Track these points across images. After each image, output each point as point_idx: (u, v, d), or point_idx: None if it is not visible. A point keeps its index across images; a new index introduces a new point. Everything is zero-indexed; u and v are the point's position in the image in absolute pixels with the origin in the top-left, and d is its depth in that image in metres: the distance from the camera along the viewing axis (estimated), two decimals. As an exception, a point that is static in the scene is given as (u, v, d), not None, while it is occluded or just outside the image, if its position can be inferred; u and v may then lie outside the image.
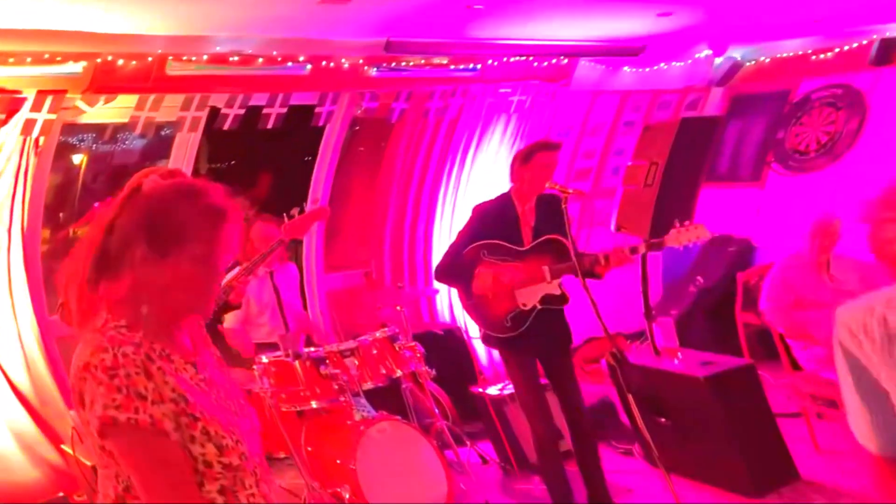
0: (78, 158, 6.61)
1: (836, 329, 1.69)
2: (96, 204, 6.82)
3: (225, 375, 1.79)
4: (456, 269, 3.90)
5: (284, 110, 5.01)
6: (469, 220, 4.01)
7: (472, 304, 3.91)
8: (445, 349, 5.37)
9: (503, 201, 3.97)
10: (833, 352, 1.69)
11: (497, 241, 3.83)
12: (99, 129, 6.02)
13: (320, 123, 5.38)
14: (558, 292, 3.82)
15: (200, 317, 1.77)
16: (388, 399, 4.40)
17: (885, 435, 1.66)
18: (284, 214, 3.99)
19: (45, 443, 4.29)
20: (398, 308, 4.63)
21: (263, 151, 7.14)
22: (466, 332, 5.69)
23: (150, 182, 1.66)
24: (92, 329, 1.59)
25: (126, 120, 4.64)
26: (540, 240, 3.83)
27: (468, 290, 3.87)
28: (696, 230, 3.70)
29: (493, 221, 3.90)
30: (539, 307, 3.80)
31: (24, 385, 4.30)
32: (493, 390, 4.76)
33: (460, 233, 4.00)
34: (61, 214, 6.56)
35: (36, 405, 4.32)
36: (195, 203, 1.63)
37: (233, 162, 7.28)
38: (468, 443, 4.73)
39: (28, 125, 4.09)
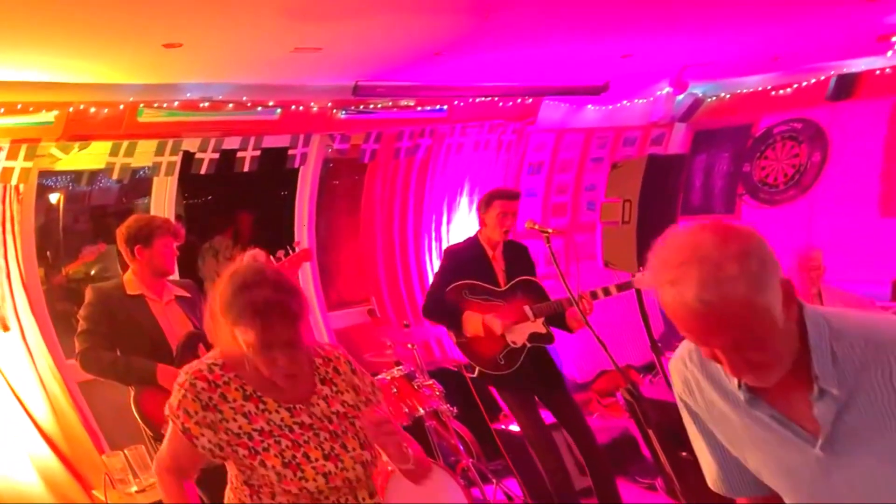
0: (58, 200, 6.71)
1: (673, 383, 1.75)
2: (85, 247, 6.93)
3: (334, 423, 2.11)
4: (441, 310, 4.05)
5: (258, 153, 5.11)
6: (442, 262, 4.20)
7: (464, 344, 4.04)
8: (460, 386, 5.30)
9: (472, 244, 4.16)
10: None
11: (475, 282, 4.00)
12: (76, 173, 6.14)
13: (295, 165, 5.48)
14: (544, 331, 3.99)
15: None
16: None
17: (730, 480, 1.73)
18: (272, 258, 4.10)
19: (77, 489, 4.23)
20: (410, 346, 4.56)
21: (240, 191, 7.25)
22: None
23: (241, 259, 2.10)
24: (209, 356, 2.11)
25: (102, 166, 4.72)
26: (515, 281, 4.00)
27: (458, 330, 4.01)
28: None
29: (466, 263, 4.08)
30: (528, 345, 3.94)
31: (53, 430, 4.25)
32: (515, 427, 4.64)
33: (437, 274, 4.19)
34: (48, 253, 6.65)
35: (66, 451, 4.27)
36: (242, 296, 1.93)
37: (209, 197, 7.40)
38: (494, 481, 4.65)
39: (6, 173, 4.18)
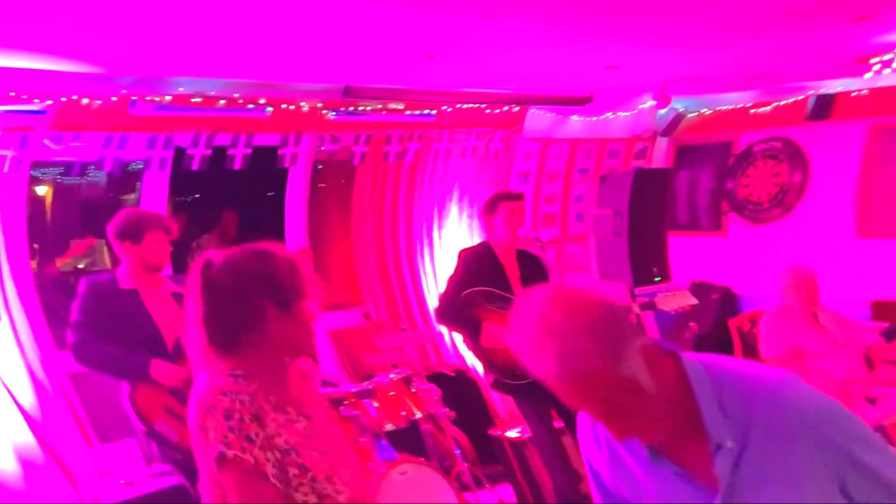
0: (48, 191, 6.76)
1: (579, 439, 1.73)
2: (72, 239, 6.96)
3: (331, 422, 2.07)
4: (457, 316, 4.04)
5: (249, 151, 5.09)
6: (457, 265, 4.16)
7: (482, 352, 4.03)
8: (458, 391, 5.24)
9: (484, 250, 4.15)
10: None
11: (490, 289, 4.00)
12: (67, 164, 6.18)
13: (286, 165, 5.48)
14: None
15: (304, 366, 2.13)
16: (407, 441, 4.33)
17: None
18: None
19: (62, 480, 4.15)
20: (404, 349, 4.56)
21: (228, 190, 7.29)
22: (477, 373, 5.56)
23: (240, 254, 1.94)
24: (213, 371, 1.86)
25: (95, 158, 4.74)
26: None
27: (475, 338, 3.99)
28: (683, 296, 3.92)
29: (479, 269, 4.07)
30: None
31: (41, 422, 4.20)
32: (512, 433, 4.73)
33: (451, 278, 4.15)
34: (35, 245, 6.69)
35: (53, 442, 4.21)
36: (304, 267, 1.97)
37: (197, 196, 7.45)
38: (487, 486, 4.61)
39: (-2, 162, 4.21)
